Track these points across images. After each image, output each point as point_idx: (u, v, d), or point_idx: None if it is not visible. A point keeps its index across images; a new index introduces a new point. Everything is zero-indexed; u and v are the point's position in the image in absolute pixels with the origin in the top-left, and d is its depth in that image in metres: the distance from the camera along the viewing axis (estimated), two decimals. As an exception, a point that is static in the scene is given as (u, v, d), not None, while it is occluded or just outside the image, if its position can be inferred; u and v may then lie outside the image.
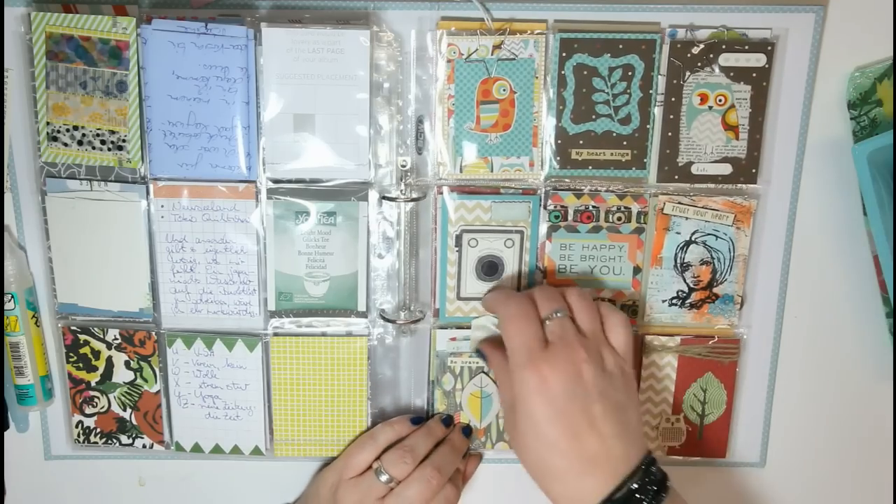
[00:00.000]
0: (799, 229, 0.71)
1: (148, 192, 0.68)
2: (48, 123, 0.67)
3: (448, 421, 0.73)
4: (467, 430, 0.73)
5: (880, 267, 0.71)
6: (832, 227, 0.72)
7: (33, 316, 0.71)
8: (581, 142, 0.68)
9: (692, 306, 0.71)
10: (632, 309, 0.71)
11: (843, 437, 0.77)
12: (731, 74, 0.66)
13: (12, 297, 0.69)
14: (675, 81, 0.67)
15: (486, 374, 0.73)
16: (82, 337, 0.71)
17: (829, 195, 0.71)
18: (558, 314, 0.62)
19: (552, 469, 0.59)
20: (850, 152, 0.67)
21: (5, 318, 0.69)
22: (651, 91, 0.67)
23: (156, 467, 0.76)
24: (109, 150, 0.67)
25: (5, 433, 0.74)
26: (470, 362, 0.72)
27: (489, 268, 0.70)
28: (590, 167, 0.68)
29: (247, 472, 0.76)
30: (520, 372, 0.60)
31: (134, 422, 0.74)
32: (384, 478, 0.68)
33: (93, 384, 0.73)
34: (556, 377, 0.59)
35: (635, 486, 0.57)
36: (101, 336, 0.71)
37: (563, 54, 0.66)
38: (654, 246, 0.70)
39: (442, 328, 0.72)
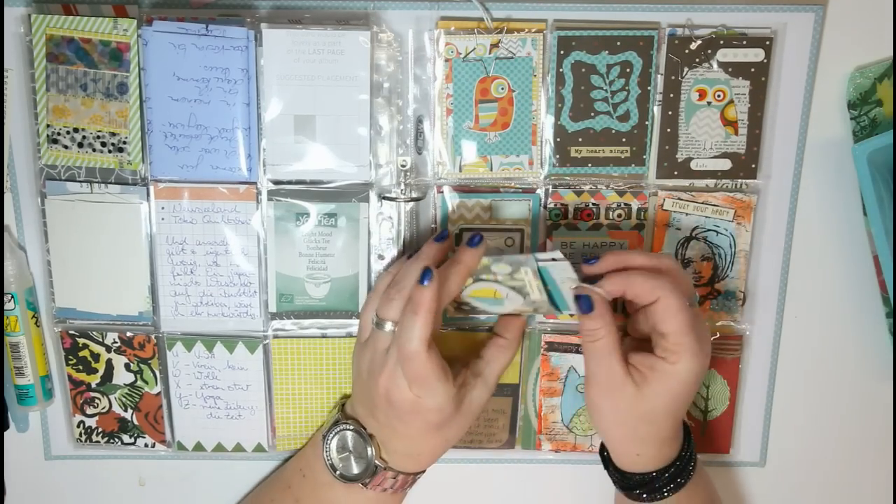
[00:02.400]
0: (799, 226, 0.71)
1: (148, 194, 0.68)
2: (48, 126, 0.67)
3: (473, 241, 0.63)
4: (474, 241, 0.63)
5: (880, 267, 0.71)
6: (832, 227, 0.72)
7: (33, 316, 0.70)
8: (580, 139, 0.68)
9: (694, 303, 0.71)
10: (633, 306, 0.71)
11: (843, 436, 0.77)
12: (730, 70, 0.67)
13: (12, 297, 0.69)
14: (673, 77, 0.67)
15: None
16: (81, 340, 0.71)
17: (829, 195, 0.71)
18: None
19: (656, 435, 0.63)
20: (850, 152, 0.68)
21: (5, 318, 0.69)
22: (649, 87, 0.67)
23: (156, 467, 0.76)
24: (110, 152, 0.67)
25: (5, 433, 0.73)
26: None
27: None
28: (589, 165, 0.69)
29: (246, 472, 0.76)
30: (698, 356, 0.61)
31: (135, 422, 0.73)
32: (386, 326, 0.62)
33: (93, 386, 0.72)
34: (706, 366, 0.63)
35: (686, 454, 0.66)
36: (100, 340, 0.71)
37: (561, 52, 0.66)
38: (654, 242, 0.70)
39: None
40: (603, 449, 0.69)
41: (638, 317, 0.65)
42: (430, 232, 0.70)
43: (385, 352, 0.62)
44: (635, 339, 0.66)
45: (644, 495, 0.65)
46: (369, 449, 0.65)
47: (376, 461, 0.65)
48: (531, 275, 0.62)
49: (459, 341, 0.71)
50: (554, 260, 0.61)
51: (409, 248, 0.70)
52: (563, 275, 0.61)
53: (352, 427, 0.66)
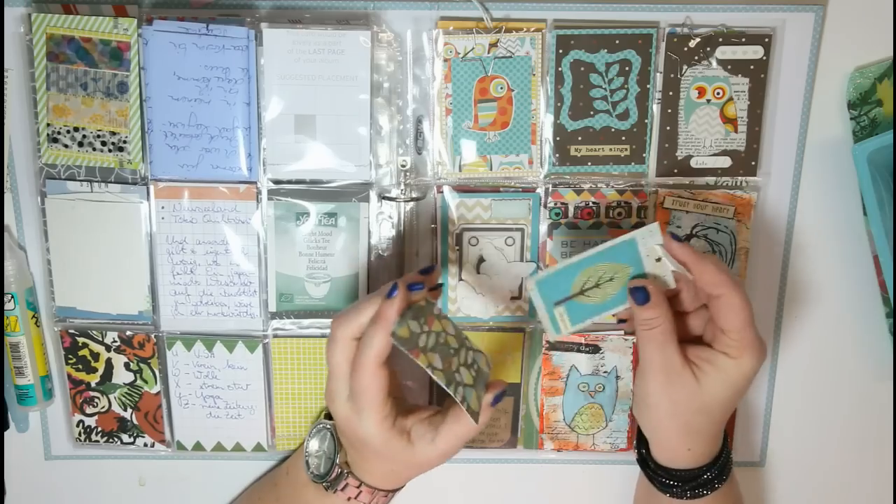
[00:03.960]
0: (799, 226, 0.71)
1: (148, 194, 0.68)
2: (48, 125, 0.67)
3: (391, 293, 0.58)
4: (392, 293, 0.58)
5: (880, 267, 0.71)
6: (832, 227, 0.72)
7: (33, 316, 0.70)
8: (580, 138, 0.68)
9: (694, 301, 0.71)
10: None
11: (843, 436, 0.77)
12: (729, 67, 0.67)
13: (12, 297, 0.69)
14: (672, 75, 0.67)
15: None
16: (80, 340, 0.71)
17: (829, 195, 0.71)
18: None
19: (708, 430, 0.63)
20: (850, 152, 0.68)
21: (5, 318, 0.69)
22: (648, 86, 0.67)
23: (156, 467, 0.76)
24: (110, 151, 0.67)
25: (5, 433, 0.73)
26: None
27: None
28: (589, 163, 0.69)
29: (246, 472, 0.76)
30: (760, 352, 0.61)
31: (135, 421, 0.73)
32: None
33: (93, 385, 0.72)
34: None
35: (726, 450, 0.66)
36: (100, 339, 0.71)
37: (560, 51, 0.66)
38: (655, 241, 0.70)
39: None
40: (640, 446, 0.67)
41: (687, 319, 0.64)
42: (430, 232, 0.70)
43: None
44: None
45: (688, 492, 0.64)
46: (337, 452, 0.65)
47: (339, 465, 0.65)
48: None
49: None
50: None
51: (410, 248, 0.70)
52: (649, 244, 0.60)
53: (329, 427, 0.66)
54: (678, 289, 0.62)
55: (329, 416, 0.68)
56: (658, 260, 0.60)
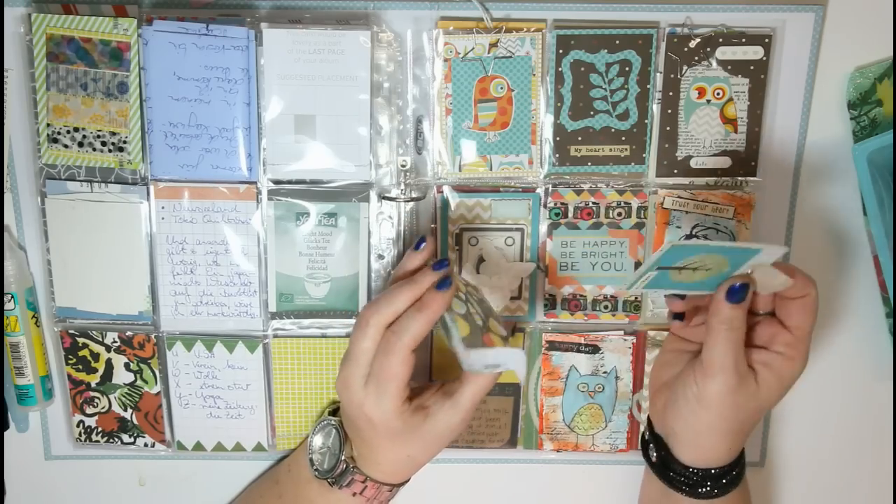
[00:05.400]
0: (799, 226, 0.71)
1: (148, 194, 0.68)
2: (48, 125, 0.67)
3: (442, 284, 0.61)
4: (439, 265, 0.62)
5: (880, 267, 0.71)
6: (832, 227, 0.72)
7: (33, 316, 0.70)
8: (580, 138, 0.68)
9: (694, 301, 0.71)
10: (634, 304, 0.71)
11: (843, 436, 0.77)
12: (729, 68, 0.67)
13: (12, 297, 0.69)
14: (672, 76, 0.67)
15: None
16: (81, 340, 0.71)
17: (829, 195, 0.71)
18: None
19: (749, 430, 0.64)
20: (850, 152, 0.68)
21: (5, 318, 0.69)
22: (648, 86, 0.67)
23: (156, 467, 0.76)
24: (110, 151, 0.67)
25: (5, 433, 0.73)
26: None
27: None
28: (589, 163, 0.69)
29: (246, 472, 0.76)
30: (805, 361, 0.62)
31: (135, 421, 0.73)
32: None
33: (93, 385, 0.72)
34: None
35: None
36: (100, 339, 0.71)
37: (560, 51, 0.66)
38: (654, 240, 0.70)
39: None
40: (659, 449, 0.66)
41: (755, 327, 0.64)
42: (430, 232, 0.70)
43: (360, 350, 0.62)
44: None
45: (718, 490, 0.64)
46: (341, 448, 0.65)
47: (345, 459, 0.65)
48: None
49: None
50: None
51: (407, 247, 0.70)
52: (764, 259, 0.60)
53: (334, 423, 0.67)
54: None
55: (333, 413, 0.68)
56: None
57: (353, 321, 0.70)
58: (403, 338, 0.59)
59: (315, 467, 0.67)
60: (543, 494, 0.77)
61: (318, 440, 0.68)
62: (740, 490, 0.66)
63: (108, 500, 0.77)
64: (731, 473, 0.64)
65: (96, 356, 0.72)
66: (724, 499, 0.65)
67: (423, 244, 0.64)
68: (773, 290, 0.60)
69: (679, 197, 0.69)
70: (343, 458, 0.65)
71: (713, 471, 0.64)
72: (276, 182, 0.68)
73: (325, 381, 0.72)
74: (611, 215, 0.70)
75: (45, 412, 0.73)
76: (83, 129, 0.67)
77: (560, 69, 0.67)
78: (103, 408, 0.73)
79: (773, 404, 0.63)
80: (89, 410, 0.73)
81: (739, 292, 0.59)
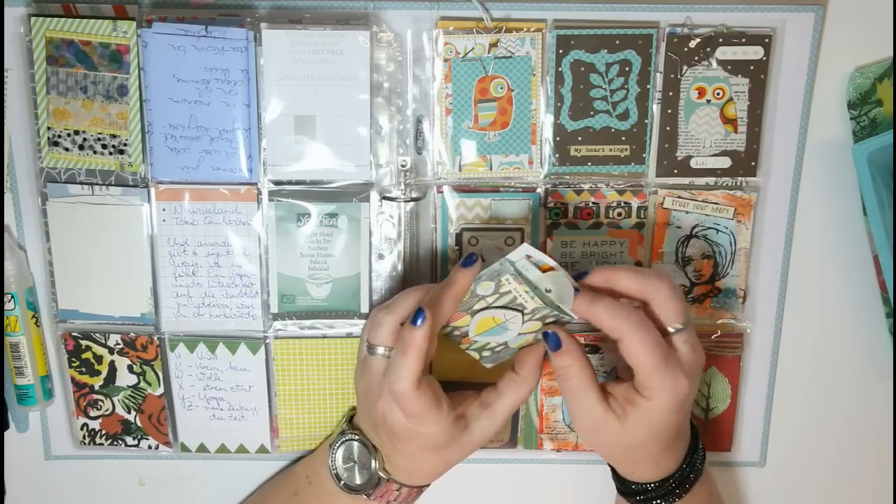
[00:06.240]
0: (799, 225, 0.71)
1: (149, 196, 0.68)
2: (49, 128, 0.67)
3: (468, 260, 0.61)
4: (470, 260, 0.62)
5: (880, 267, 0.71)
6: (832, 227, 0.72)
7: (33, 316, 0.71)
8: (580, 138, 0.68)
9: (695, 301, 0.71)
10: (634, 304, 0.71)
11: (843, 436, 0.77)
12: (729, 68, 0.67)
13: (12, 297, 0.69)
14: (672, 76, 0.67)
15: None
16: (84, 342, 0.71)
17: (829, 195, 0.71)
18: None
19: (647, 457, 0.63)
20: (850, 152, 0.68)
21: (5, 318, 0.69)
22: (648, 86, 0.67)
23: (156, 467, 0.76)
24: (111, 154, 0.67)
25: (5, 433, 0.73)
26: None
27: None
28: (589, 163, 0.69)
29: (246, 472, 0.76)
30: (670, 391, 0.60)
31: (139, 424, 0.73)
32: (377, 351, 0.62)
33: (96, 388, 0.73)
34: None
35: (686, 466, 0.65)
36: (103, 342, 0.71)
37: (560, 51, 0.66)
38: (654, 241, 0.70)
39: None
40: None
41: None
42: (430, 232, 0.70)
43: (380, 375, 0.62)
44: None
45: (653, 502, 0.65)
46: (373, 461, 0.65)
47: (380, 472, 0.65)
48: (514, 282, 0.60)
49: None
50: (528, 258, 0.60)
51: (410, 248, 0.70)
52: (560, 283, 0.60)
53: (357, 438, 0.66)
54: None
55: (351, 423, 0.68)
56: (548, 291, 0.60)
57: (354, 321, 0.71)
58: (437, 315, 0.60)
59: (344, 482, 0.66)
60: (543, 494, 0.77)
61: (339, 455, 0.67)
62: (699, 491, 0.66)
63: (108, 500, 0.77)
64: (649, 495, 0.65)
65: (99, 359, 0.72)
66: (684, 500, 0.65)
67: (475, 261, 0.62)
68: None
69: (679, 197, 0.69)
70: (377, 471, 0.65)
71: (632, 484, 0.65)
72: (277, 183, 0.68)
73: (326, 381, 0.72)
74: (611, 215, 0.70)
75: (45, 412, 0.74)
76: (83, 131, 0.67)
77: (560, 69, 0.67)
78: (107, 410, 0.73)
79: (655, 437, 0.61)
80: (93, 413, 0.73)
81: (550, 339, 0.61)
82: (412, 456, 0.64)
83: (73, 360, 0.72)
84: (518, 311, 0.61)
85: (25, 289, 0.70)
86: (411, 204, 0.69)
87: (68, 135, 0.67)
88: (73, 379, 0.72)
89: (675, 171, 0.69)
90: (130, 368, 0.72)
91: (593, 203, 0.70)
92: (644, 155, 0.69)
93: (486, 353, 0.65)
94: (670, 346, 0.60)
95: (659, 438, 0.62)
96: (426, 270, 0.71)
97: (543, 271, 0.60)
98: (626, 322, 0.58)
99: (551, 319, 0.61)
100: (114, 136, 0.67)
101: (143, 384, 0.72)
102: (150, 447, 0.74)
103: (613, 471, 0.68)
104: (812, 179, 0.70)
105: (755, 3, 0.66)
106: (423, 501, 0.72)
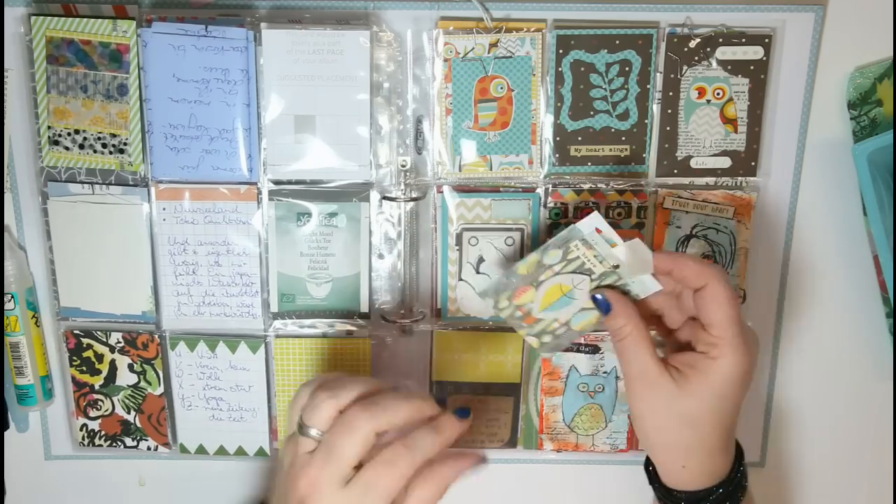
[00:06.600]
0: (799, 225, 0.71)
1: (149, 195, 0.68)
2: (49, 128, 0.67)
3: (462, 413, 0.59)
4: (463, 413, 0.59)
5: (880, 267, 0.71)
6: (832, 227, 0.72)
7: (33, 316, 0.71)
8: (580, 138, 0.68)
9: (694, 301, 0.71)
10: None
11: (843, 436, 0.77)
12: (729, 68, 0.67)
13: (12, 297, 0.69)
14: (672, 76, 0.67)
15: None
16: (85, 341, 0.72)
17: (829, 195, 0.71)
18: None
19: (701, 443, 0.59)
20: (850, 152, 0.68)
21: (5, 318, 0.69)
22: (648, 86, 0.67)
23: (156, 467, 0.76)
24: (111, 153, 0.67)
25: (5, 433, 0.73)
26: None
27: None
28: (589, 163, 0.69)
29: (246, 472, 0.76)
30: (741, 351, 0.57)
31: (138, 424, 0.74)
32: (310, 432, 0.56)
33: (96, 387, 0.73)
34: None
35: (737, 475, 0.62)
36: (104, 340, 0.71)
37: (560, 51, 0.66)
38: (654, 240, 0.70)
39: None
40: (649, 463, 0.64)
41: (680, 332, 0.62)
42: (430, 232, 0.70)
43: (308, 454, 0.56)
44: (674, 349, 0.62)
45: None
46: None
47: None
48: (583, 247, 0.59)
49: (462, 340, 0.72)
50: (599, 232, 0.58)
51: (410, 248, 0.70)
52: (636, 250, 0.58)
53: None
54: (659, 307, 0.60)
55: None
56: (617, 267, 0.59)
57: (354, 321, 0.71)
58: (416, 456, 0.55)
59: None
60: (543, 494, 0.77)
61: None
62: None
63: (107, 500, 0.77)
64: (707, 500, 0.60)
65: (100, 357, 0.72)
66: None
67: (468, 417, 0.59)
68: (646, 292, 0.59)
69: (679, 197, 0.69)
70: None
71: (684, 493, 0.61)
72: (277, 182, 0.68)
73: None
74: (611, 215, 0.70)
75: (45, 412, 0.74)
76: (84, 131, 0.67)
77: (560, 69, 0.67)
78: (106, 410, 0.73)
79: (713, 411, 0.58)
80: (92, 413, 0.73)
81: (600, 304, 0.59)
82: None
83: (74, 358, 0.72)
84: (587, 274, 0.60)
85: (25, 289, 0.70)
86: (411, 204, 0.69)
87: (68, 134, 0.67)
88: (73, 378, 0.73)
89: (675, 171, 0.69)
90: (131, 367, 0.72)
91: (593, 203, 0.70)
92: (644, 155, 0.69)
93: (545, 340, 0.62)
94: None
95: (714, 414, 0.58)
96: (426, 270, 0.71)
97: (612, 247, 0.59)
98: (713, 268, 0.57)
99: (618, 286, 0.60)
100: (114, 136, 0.67)
101: (143, 383, 0.72)
102: (149, 448, 0.74)
103: (657, 483, 0.63)
104: (812, 179, 0.70)
105: (755, 3, 0.66)
106: (423, 501, 0.72)
